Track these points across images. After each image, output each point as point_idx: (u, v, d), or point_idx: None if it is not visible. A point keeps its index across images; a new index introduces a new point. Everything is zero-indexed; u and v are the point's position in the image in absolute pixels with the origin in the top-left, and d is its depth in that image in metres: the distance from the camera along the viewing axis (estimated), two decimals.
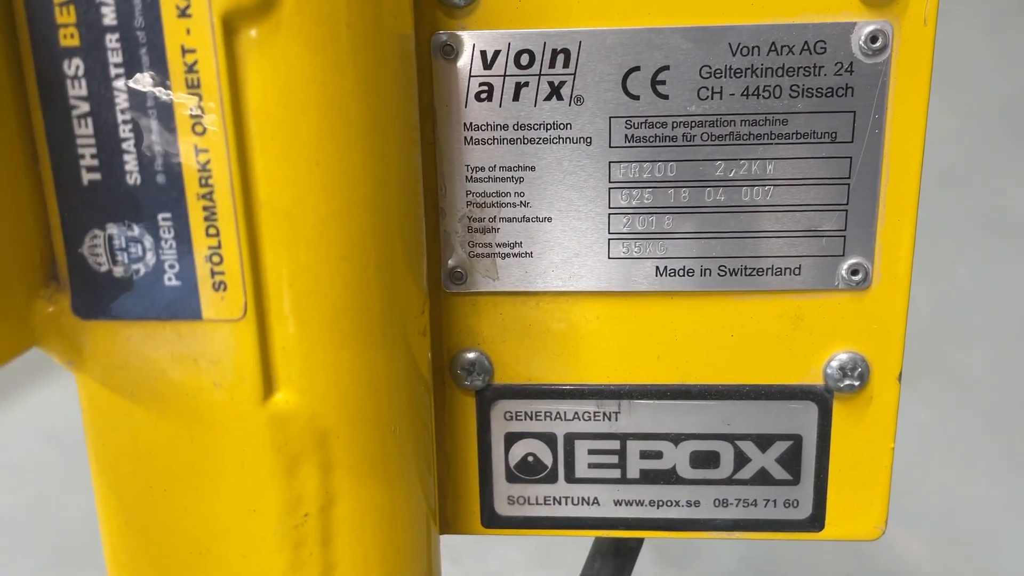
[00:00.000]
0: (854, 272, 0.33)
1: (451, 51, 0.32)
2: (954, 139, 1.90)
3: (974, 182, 1.84)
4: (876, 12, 0.30)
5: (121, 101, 0.25)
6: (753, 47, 0.31)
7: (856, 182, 0.32)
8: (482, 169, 0.33)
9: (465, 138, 0.33)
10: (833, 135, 0.31)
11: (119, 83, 0.24)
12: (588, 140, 0.32)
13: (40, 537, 1.31)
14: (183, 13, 0.24)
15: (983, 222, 1.77)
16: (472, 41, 0.31)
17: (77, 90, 0.25)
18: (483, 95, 0.32)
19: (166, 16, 0.24)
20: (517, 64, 0.32)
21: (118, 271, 0.26)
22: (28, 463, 1.41)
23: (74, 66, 0.24)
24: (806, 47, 0.31)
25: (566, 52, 0.31)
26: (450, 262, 0.34)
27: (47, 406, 1.50)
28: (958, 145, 1.89)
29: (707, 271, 0.33)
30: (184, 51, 0.24)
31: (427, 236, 0.33)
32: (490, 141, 0.32)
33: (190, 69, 0.24)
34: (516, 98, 0.32)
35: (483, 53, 0.32)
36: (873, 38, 0.30)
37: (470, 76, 0.32)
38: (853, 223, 0.32)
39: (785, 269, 0.33)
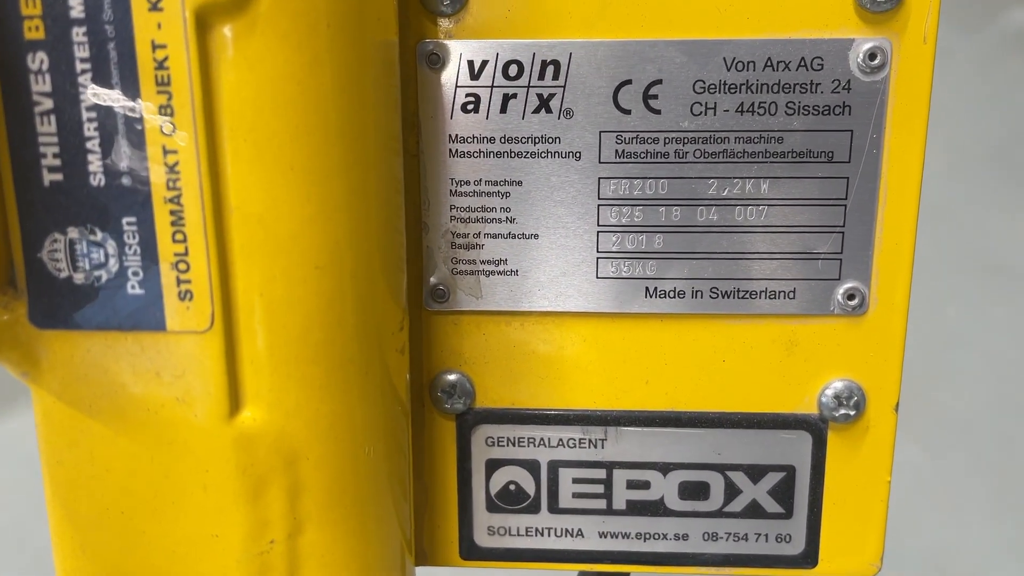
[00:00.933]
0: (850, 297, 0.31)
1: (437, 60, 0.31)
2: (946, 178, 1.91)
3: (965, 222, 1.85)
4: (875, 29, 0.30)
5: (87, 98, 0.23)
6: (748, 62, 0.30)
7: (853, 203, 0.31)
8: (467, 183, 0.32)
9: (450, 151, 0.31)
10: (830, 154, 0.31)
11: (85, 79, 0.23)
12: (577, 155, 0.31)
13: (15, 562, 1.28)
14: (154, 7, 0.23)
15: (974, 262, 1.78)
16: (459, 50, 0.30)
17: (41, 86, 0.23)
18: (469, 106, 0.31)
19: (136, 10, 0.23)
20: (505, 75, 0.31)
21: (79, 278, 0.25)
22: (3, 488, 1.38)
23: (38, 60, 0.23)
24: (803, 63, 0.30)
25: (556, 64, 0.30)
26: (432, 279, 0.33)
27: (24, 430, 1.47)
28: (950, 184, 1.89)
29: (698, 293, 0.32)
30: (154, 47, 0.23)
31: (409, 252, 0.32)
32: (476, 154, 0.31)
33: (160, 66, 0.23)
34: (503, 110, 0.31)
35: (470, 63, 0.31)
36: (872, 55, 0.30)
37: (456, 86, 0.31)
38: (849, 246, 0.31)
39: (779, 292, 0.32)
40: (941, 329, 1.65)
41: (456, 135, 0.31)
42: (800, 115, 0.30)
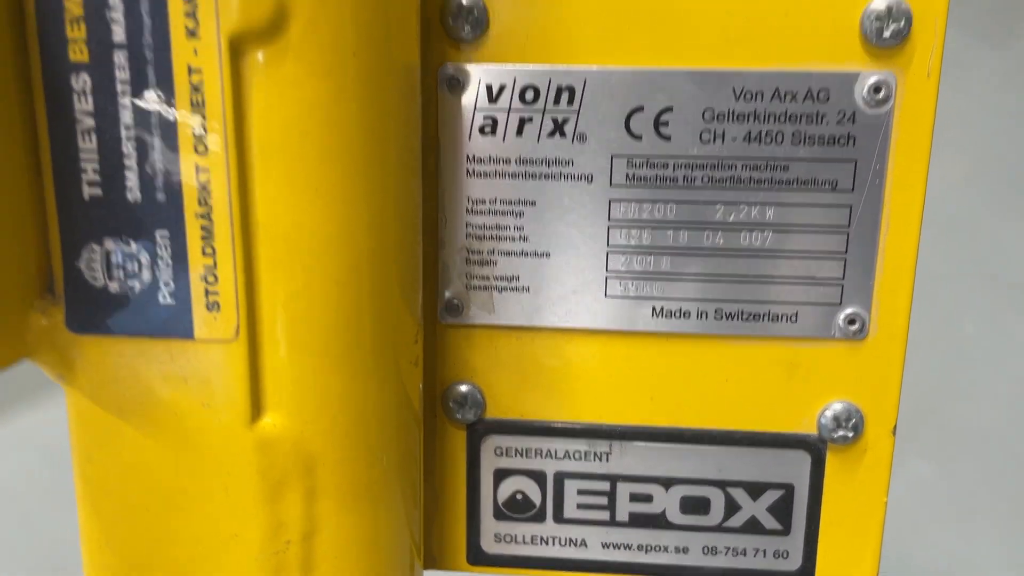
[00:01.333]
0: (851, 322, 0.32)
1: (457, 84, 0.32)
2: (962, 192, 1.89)
3: (985, 236, 1.84)
4: (880, 63, 0.31)
5: (126, 118, 0.25)
6: (757, 92, 0.31)
7: (855, 231, 0.32)
8: (483, 202, 0.33)
9: (467, 170, 0.33)
10: (834, 183, 0.32)
11: (125, 100, 0.25)
12: (589, 177, 0.32)
13: (31, 555, 1.30)
14: (192, 33, 0.24)
15: (990, 277, 1.77)
16: (478, 75, 0.32)
17: (83, 105, 0.25)
18: (487, 129, 0.32)
19: (175, 35, 0.24)
20: (522, 100, 0.32)
21: (113, 287, 0.26)
22: (21, 480, 1.41)
23: (82, 81, 0.25)
24: (809, 95, 0.31)
25: (571, 90, 0.32)
26: (447, 293, 0.34)
27: (42, 423, 1.49)
28: (966, 198, 1.88)
29: (704, 314, 0.33)
30: (190, 70, 0.24)
31: (425, 267, 0.33)
32: (492, 174, 0.33)
33: (195, 89, 0.24)
34: (519, 133, 0.32)
35: (488, 87, 0.32)
36: (876, 88, 0.31)
37: (475, 109, 0.32)
38: (851, 272, 0.32)
39: (782, 315, 0.33)
40: (957, 344, 1.64)
41: (473, 155, 0.33)
42: (806, 145, 0.31)
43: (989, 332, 1.68)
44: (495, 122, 0.32)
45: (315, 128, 0.25)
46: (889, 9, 0.30)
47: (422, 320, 0.32)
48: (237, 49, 0.24)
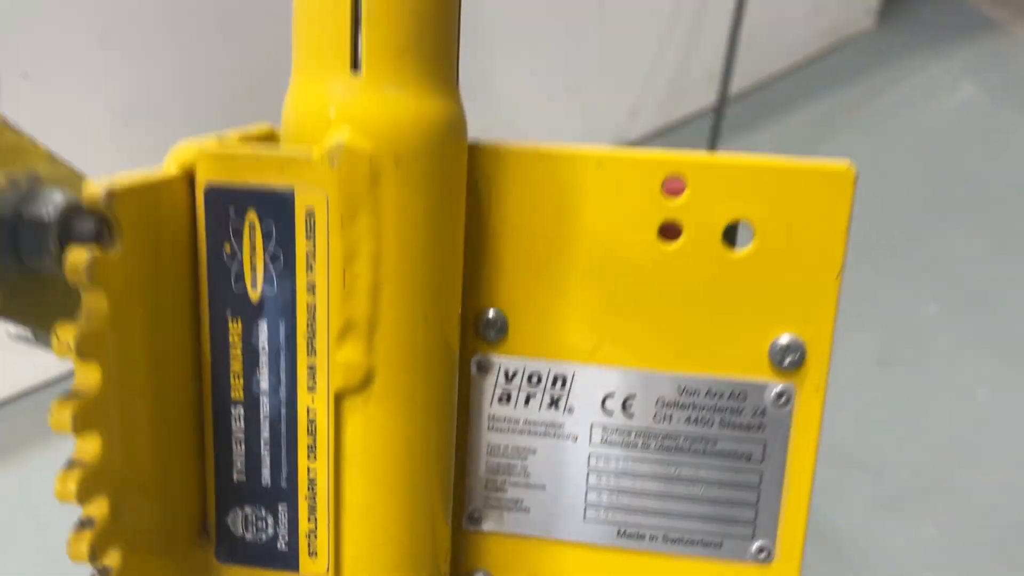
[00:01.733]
0: (760, 551, 0.45)
1: (483, 368, 0.45)
2: (980, 259, 1.95)
3: (1003, 304, 1.86)
4: (783, 378, 0.43)
5: (265, 433, 0.38)
6: (695, 390, 0.44)
7: (764, 488, 0.44)
8: (499, 448, 0.46)
9: (488, 426, 0.46)
10: (749, 455, 0.44)
11: (265, 424, 0.38)
12: (575, 438, 0.45)
13: None
14: (311, 388, 0.37)
15: (1004, 346, 1.80)
16: (499, 363, 0.45)
17: (238, 425, 0.38)
18: (503, 399, 0.45)
19: (300, 390, 0.37)
20: (529, 382, 0.45)
21: (248, 535, 0.39)
22: (55, 515, 1.53)
23: (238, 410, 0.38)
24: (732, 395, 0.44)
25: (563, 377, 0.45)
26: (470, 507, 0.47)
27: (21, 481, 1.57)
28: (984, 265, 1.93)
29: (655, 538, 0.46)
30: (309, 411, 0.38)
31: (455, 489, 0.46)
32: (506, 430, 0.46)
33: (311, 422, 0.38)
34: (526, 404, 0.45)
35: (506, 372, 0.45)
36: (780, 395, 0.43)
37: (495, 386, 0.45)
38: (761, 515, 0.45)
39: (710, 543, 0.45)
40: (970, 411, 1.70)
41: (493, 416, 0.46)
42: (729, 428, 0.44)
43: (1002, 399, 1.73)
44: (510, 395, 0.45)
45: (387, 444, 0.38)
46: (789, 345, 0.42)
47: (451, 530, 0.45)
48: (340, 397, 0.38)
